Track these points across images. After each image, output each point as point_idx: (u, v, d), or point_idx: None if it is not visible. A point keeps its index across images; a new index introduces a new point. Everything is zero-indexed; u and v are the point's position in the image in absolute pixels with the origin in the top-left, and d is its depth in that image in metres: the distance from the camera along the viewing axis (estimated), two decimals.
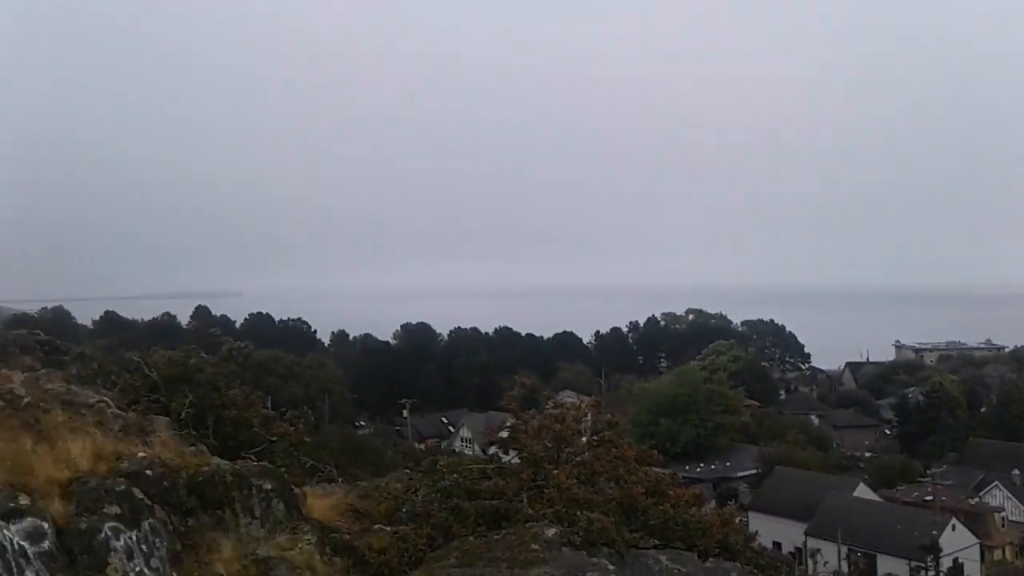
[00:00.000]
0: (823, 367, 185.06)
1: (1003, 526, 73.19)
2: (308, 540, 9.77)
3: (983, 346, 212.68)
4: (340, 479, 17.70)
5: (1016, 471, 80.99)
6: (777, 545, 60.68)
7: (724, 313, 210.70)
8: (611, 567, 10.47)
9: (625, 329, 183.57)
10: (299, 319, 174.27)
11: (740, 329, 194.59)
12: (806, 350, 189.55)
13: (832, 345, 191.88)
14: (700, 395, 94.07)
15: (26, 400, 10.83)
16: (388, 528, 12.26)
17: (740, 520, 15.81)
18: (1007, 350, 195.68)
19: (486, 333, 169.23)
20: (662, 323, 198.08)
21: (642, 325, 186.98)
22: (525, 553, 10.79)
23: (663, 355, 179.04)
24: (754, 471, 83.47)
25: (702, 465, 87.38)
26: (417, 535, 11.80)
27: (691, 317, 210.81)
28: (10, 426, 9.72)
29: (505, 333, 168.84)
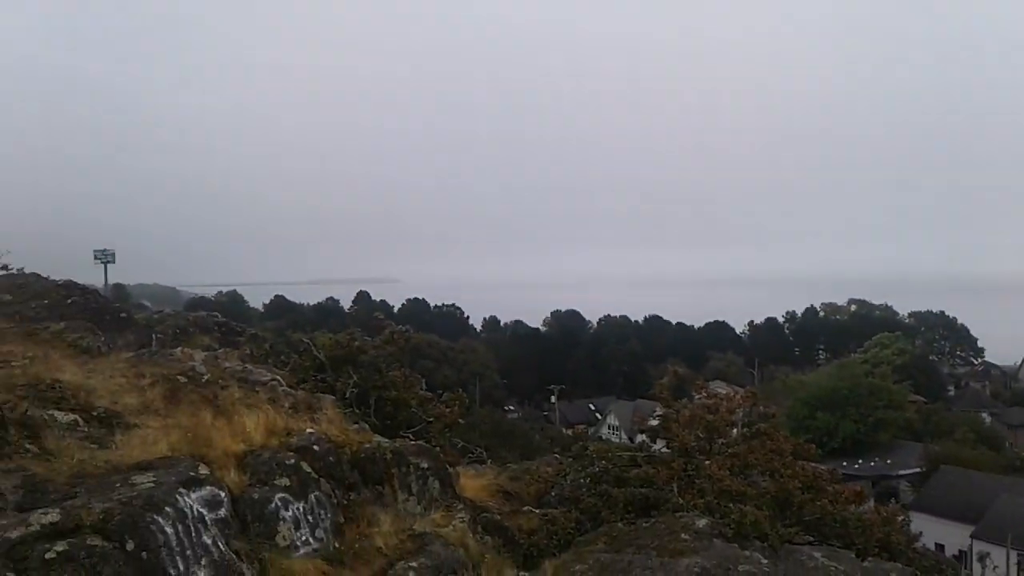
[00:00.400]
0: (998, 362, 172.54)
1: None
2: (461, 518, 10.10)
3: None
4: (489, 461, 18.14)
5: None
6: (940, 547, 57.42)
7: (889, 304, 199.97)
8: (764, 561, 10.27)
9: (781, 319, 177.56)
10: (453, 305, 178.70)
11: (907, 321, 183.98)
12: (980, 344, 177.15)
13: (1010, 339, 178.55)
14: (861, 389, 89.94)
15: (206, 377, 11.67)
16: (537, 511, 12.48)
17: (902, 520, 15.06)
18: None
19: (635, 321, 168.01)
20: (821, 313, 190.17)
21: (800, 315, 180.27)
22: (674, 542, 10.74)
23: (822, 347, 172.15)
24: (917, 469, 79.25)
25: (860, 462, 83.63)
26: (566, 519, 11.96)
27: (853, 308, 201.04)
28: (192, 401, 10.51)
29: (655, 321, 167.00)
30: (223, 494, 8.27)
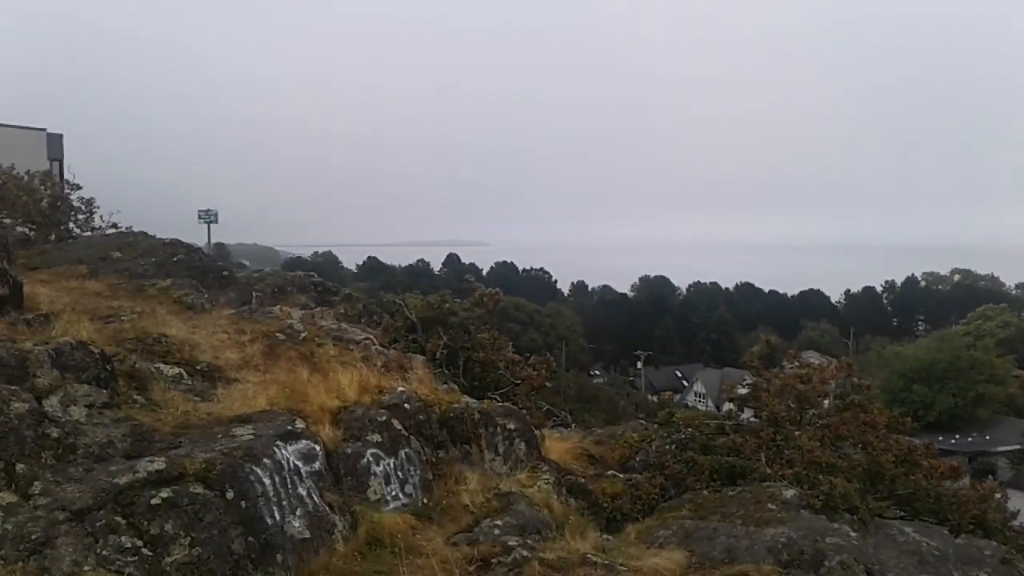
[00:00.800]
0: None
1: None
2: (546, 480, 10.23)
3: None
4: (574, 425, 18.26)
5: None
6: None
7: (996, 274, 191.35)
8: (852, 534, 10.10)
9: (880, 289, 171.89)
10: (541, 269, 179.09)
11: (1014, 292, 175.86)
12: None
13: None
14: (961, 362, 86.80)
15: (303, 335, 12.06)
16: (621, 475, 12.55)
17: (999, 497, 14.58)
18: None
19: (726, 288, 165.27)
20: (922, 283, 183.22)
21: (899, 285, 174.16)
22: (761, 511, 10.66)
23: (922, 318, 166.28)
24: (1018, 447, 76.37)
25: (958, 437, 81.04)
26: (650, 484, 11.99)
27: (956, 278, 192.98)
28: (289, 357, 10.90)
29: (746, 289, 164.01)
30: (318, 448, 8.58)
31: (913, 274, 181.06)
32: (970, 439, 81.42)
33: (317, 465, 8.41)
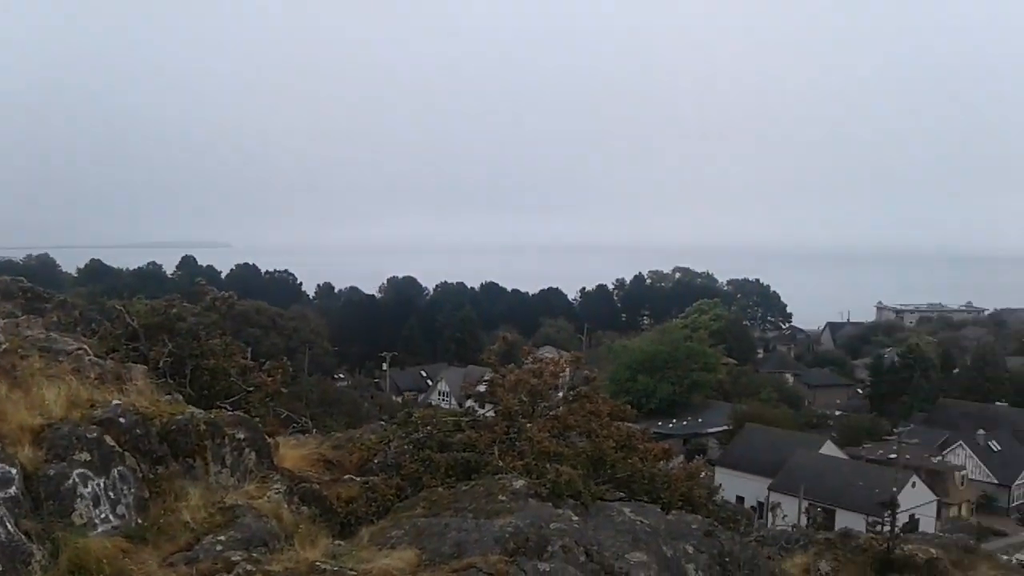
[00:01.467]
0: (804, 327, 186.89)
1: (962, 484, 75.16)
2: (277, 489, 9.94)
3: (963, 308, 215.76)
4: (315, 430, 17.91)
5: (981, 431, 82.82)
6: (741, 499, 61.88)
7: (711, 272, 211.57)
8: (574, 518, 10.71)
9: (611, 286, 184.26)
10: (285, 271, 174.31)
11: (725, 288, 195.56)
12: (788, 310, 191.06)
13: (815, 305, 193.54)
14: (679, 353, 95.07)
15: (4, 346, 10.90)
16: (358, 479, 12.47)
17: (705, 474, 16.14)
18: (986, 313, 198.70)
19: (471, 288, 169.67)
20: (648, 281, 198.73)
21: (628, 283, 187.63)
22: (492, 503, 11.01)
23: (647, 313, 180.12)
24: (725, 427, 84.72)
25: (675, 421, 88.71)
26: (387, 485, 12.01)
27: (678, 275, 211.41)
28: None
29: (490, 288, 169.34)
30: (14, 471, 7.82)
31: (641, 273, 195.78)
32: (685, 422, 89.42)
33: (13, 490, 7.65)
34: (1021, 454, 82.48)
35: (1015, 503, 77.71)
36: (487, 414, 16.14)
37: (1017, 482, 79.01)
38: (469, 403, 17.84)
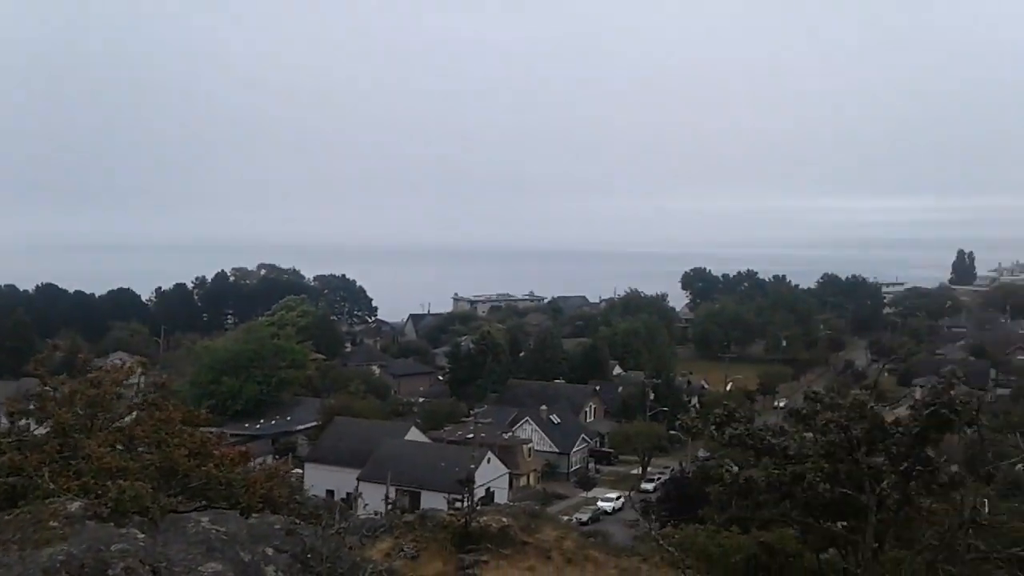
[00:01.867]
0: (389, 320, 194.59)
1: (530, 456, 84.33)
2: None
3: (527, 297, 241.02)
4: None
5: (544, 407, 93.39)
6: (331, 493, 62.69)
7: (297, 268, 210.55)
8: (140, 535, 9.96)
9: (191, 285, 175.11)
10: None
11: (312, 284, 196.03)
12: (374, 304, 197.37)
13: (398, 299, 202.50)
14: (266, 351, 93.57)
15: None
16: None
17: (289, 473, 16.01)
18: (546, 301, 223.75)
19: (26, 291, 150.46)
20: (232, 279, 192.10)
21: (210, 281, 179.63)
22: (41, 532, 9.87)
23: (231, 311, 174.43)
24: (315, 424, 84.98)
25: (263, 421, 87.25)
26: None
27: (263, 272, 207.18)
28: None
29: (49, 291, 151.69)
30: None
31: (223, 270, 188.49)
32: (274, 422, 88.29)
33: None
34: (577, 425, 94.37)
35: (573, 468, 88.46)
36: (37, 432, 14.54)
37: (574, 449, 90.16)
38: (23, 421, 15.91)
